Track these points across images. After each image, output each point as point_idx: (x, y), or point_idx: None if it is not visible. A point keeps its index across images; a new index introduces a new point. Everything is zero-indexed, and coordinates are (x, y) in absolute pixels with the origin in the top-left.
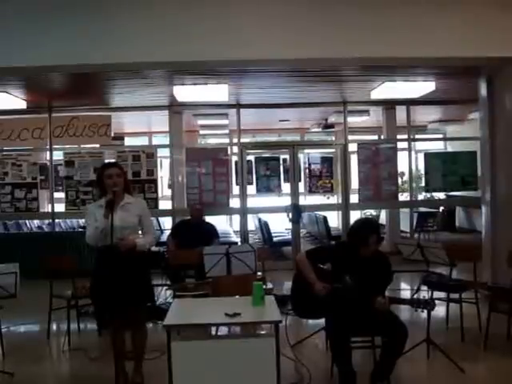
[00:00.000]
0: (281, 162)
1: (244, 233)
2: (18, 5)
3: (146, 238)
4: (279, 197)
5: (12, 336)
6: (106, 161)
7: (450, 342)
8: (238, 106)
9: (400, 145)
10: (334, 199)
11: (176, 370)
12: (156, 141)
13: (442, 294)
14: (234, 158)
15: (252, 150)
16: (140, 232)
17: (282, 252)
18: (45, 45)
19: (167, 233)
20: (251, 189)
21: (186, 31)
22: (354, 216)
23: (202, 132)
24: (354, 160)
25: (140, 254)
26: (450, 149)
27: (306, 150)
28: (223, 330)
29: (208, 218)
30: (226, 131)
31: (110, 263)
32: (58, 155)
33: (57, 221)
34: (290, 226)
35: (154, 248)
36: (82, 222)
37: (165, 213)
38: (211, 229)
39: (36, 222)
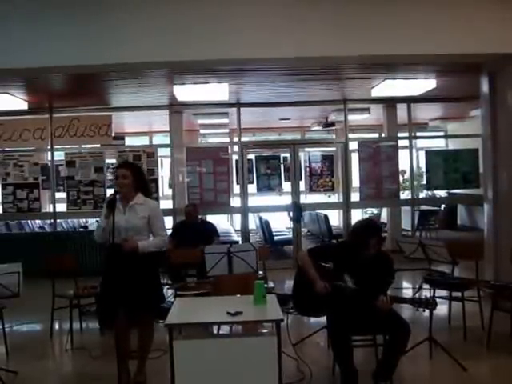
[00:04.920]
0: (281, 160)
1: (245, 232)
2: (17, 6)
3: (154, 240)
4: (280, 196)
5: (15, 335)
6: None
7: (453, 341)
8: (238, 104)
9: (401, 143)
10: (334, 198)
11: (178, 368)
12: (156, 140)
13: (444, 293)
14: (235, 157)
15: (252, 148)
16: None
17: (283, 251)
18: (44, 46)
19: (168, 232)
20: (252, 188)
21: (185, 31)
22: (355, 214)
23: (202, 131)
24: (354, 158)
25: (145, 255)
26: (450, 146)
27: (307, 149)
28: (225, 329)
29: (209, 217)
30: (227, 130)
31: (116, 262)
32: (59, 155)
33: (58, 221)
34: (290, 224)
35: None
36: (83, 221)
37: (166, 212)
38: (211, 228)
39: (38, 222)
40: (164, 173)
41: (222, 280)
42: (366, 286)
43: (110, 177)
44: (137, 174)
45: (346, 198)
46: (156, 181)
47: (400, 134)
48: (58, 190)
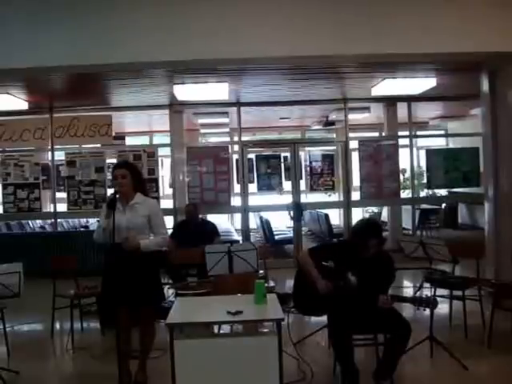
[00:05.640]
0: (282, 159)
1: (245, 231)
2: (17, 6)
3: (155, 239)
4: (280, 195)
5: (16, 335)
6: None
7: (454, 340)
8: (239, 104)
9: (401, 141)
10: (335, 197)
11: (179, 368)
12: (157, 140)
13: (445, 292)
14: (235, 157)
15: (253, 148)
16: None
17: (283, 250)
18: (45, 46)
19: (168, 231)
20: (252, 187)
21: (185, 30)
22: (356, 213)
23: (202, 131)
24: (355, 157)
25: (146, 254)
26: (451, 145)
27: (307, 148)
28: (225, 329)
29: (209, 217)
30: (227, 130)
31: (117, 262)
32: (60, 155)
33: (59, 221)
34: (291, 223)
35: None
36: (83, 221)
37: (166, 212)
38: (212, 227)
39: (38, 222)
40: (164, 172)
41: (222, 279)
42: (367, 285)
43: (110, 176)
44: (135, 174)
45: (347, 197)
46: (156, 180)
47: (400, 133)
48: (59, 190)
